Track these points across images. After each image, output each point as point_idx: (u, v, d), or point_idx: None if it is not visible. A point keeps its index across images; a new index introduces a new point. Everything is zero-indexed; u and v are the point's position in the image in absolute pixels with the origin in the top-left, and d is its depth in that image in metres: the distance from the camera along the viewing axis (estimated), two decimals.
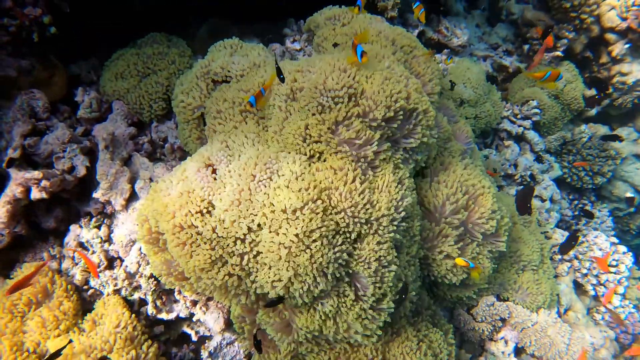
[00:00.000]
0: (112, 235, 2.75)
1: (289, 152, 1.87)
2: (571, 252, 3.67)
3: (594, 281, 3.66)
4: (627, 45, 4.21)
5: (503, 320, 3.15)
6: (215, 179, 1.85)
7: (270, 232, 1.75)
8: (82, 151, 2.67)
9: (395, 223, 1.91)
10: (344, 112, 1.88)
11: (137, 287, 2.61)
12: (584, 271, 3.71)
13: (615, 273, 3.63)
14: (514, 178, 4.31)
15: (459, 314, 3.18)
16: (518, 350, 3.22)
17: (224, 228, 1.78)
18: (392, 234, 1.89)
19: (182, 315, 2.55)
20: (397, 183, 1.93)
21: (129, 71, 2.85)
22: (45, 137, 2.64)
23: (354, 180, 1.85)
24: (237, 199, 1.77)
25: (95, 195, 2.67)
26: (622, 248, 3.75)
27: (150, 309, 2.53)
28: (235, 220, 1.77)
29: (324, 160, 1.91)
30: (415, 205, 2.18)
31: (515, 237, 2.91)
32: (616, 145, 4.71)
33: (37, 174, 2.46)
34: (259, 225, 1.78)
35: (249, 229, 1.78)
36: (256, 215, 1.76)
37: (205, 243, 1.78)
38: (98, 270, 2.62)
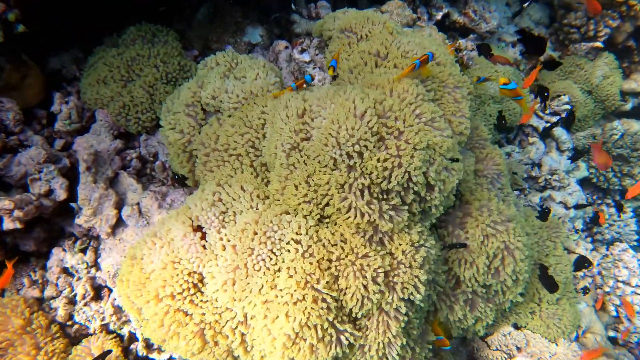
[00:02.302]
0: (99, 260, 2.51)
1: (295, 215, 1.56)
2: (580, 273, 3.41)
3: (617, 301, 3.44)
4: None
5: (519, 349, 2.96)
6: (204, 246, 1.57)
7: (265, 317, 1.47)
8: (61, 172, 2.37)
9: (411, 302, 1.62)
10: (360, 171, 1.54)
11: (127, 321, 2.40)
12: (607, 289, 3.48)
13: None
14: (537, 180, 3.99)
15: (472, 340, 3.00)
16: None
17: (215, 307, 1.52)
18: (404, 317, 1.61)
19: (175, 355, 2.35)
20: (418, 256, 1.61)
21: (111, 76, 2.47)
22: (17, 157, 2.33)
23: (366, 255, 1.55)
24: (232, 278, 1.49)
25: (77, 221, 2.40)
26: None
27: (140, 349, 2.33)
28: (228, 302, 1.50)
29: (334, 224, 1.59)
30: (434, 274, 1.88)
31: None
32: None
33: (7, 203, 2.18)
34: (252, 317, 1.51)
35: (245, 316, 1.51)
36: (250, 302, 1.48)
37: (194, 325, 1.52)
38: (84, 301, 2.41)
